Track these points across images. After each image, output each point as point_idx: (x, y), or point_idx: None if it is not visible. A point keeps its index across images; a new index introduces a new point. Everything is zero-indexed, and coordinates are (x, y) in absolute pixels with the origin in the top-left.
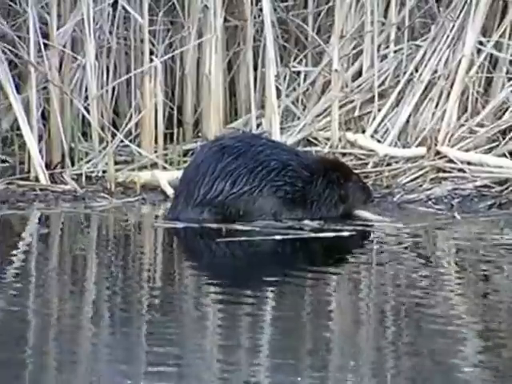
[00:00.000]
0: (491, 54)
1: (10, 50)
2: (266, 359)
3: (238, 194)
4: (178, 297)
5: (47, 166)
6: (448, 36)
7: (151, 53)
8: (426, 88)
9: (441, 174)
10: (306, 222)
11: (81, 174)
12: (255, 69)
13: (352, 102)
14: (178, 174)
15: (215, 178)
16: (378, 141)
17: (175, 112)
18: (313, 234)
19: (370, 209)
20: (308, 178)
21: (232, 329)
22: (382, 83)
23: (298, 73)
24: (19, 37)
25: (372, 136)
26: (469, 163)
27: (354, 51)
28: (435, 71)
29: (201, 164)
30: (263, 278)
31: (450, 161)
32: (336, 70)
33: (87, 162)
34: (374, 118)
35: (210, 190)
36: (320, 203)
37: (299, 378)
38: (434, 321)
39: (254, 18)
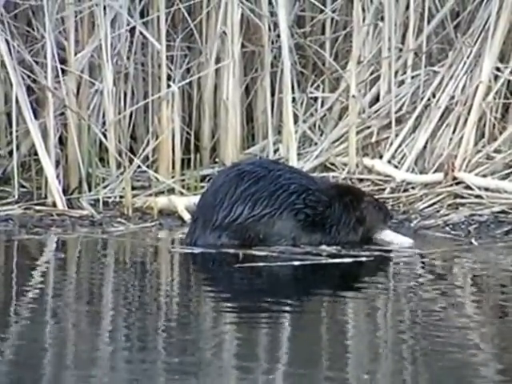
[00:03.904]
0: (508, 80)
1: (27, 75)
2: None
3: (257, 217)
4: (195, 323)
5: (64, 192)
6: (465, 62)
7: (169, 78)
8: (443, 114)
9: (458, 200)
10: (324, 247)
11: (98, 200)
12: (272, 94)
13: (369, 127)
14: (195, 199)
15: (234, 202)
16: (395, 166)
17: (192, 137)
18: (330, 260)
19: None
20: (327, 203)
21: (250, 355)
22: (400, 109)
23: (316, 98)
24: (37, 62)
25: (389, 162)
26: (486, 189)
27: (372, 77)
28: (452, 97)
29: (220, 188)
30: (280, 304)
31: (467, 187)
32: (353, 96)
33: (104, 187)
34: (391, 144)
35: (229, 213)
36: (339, 227)
37: None
38: (452, 351)
39: (272, 43)
